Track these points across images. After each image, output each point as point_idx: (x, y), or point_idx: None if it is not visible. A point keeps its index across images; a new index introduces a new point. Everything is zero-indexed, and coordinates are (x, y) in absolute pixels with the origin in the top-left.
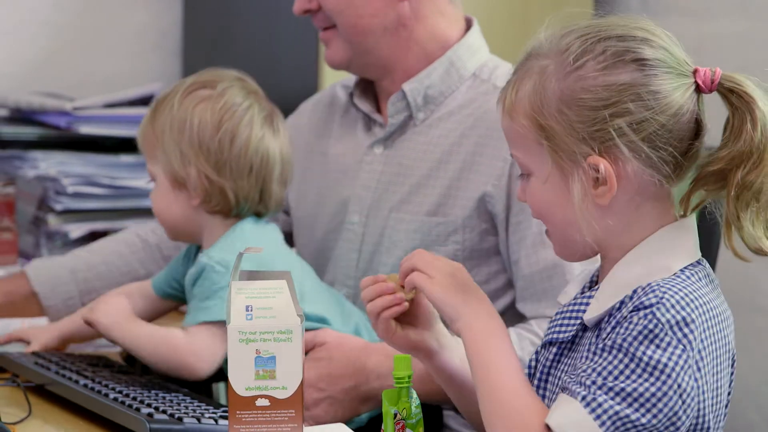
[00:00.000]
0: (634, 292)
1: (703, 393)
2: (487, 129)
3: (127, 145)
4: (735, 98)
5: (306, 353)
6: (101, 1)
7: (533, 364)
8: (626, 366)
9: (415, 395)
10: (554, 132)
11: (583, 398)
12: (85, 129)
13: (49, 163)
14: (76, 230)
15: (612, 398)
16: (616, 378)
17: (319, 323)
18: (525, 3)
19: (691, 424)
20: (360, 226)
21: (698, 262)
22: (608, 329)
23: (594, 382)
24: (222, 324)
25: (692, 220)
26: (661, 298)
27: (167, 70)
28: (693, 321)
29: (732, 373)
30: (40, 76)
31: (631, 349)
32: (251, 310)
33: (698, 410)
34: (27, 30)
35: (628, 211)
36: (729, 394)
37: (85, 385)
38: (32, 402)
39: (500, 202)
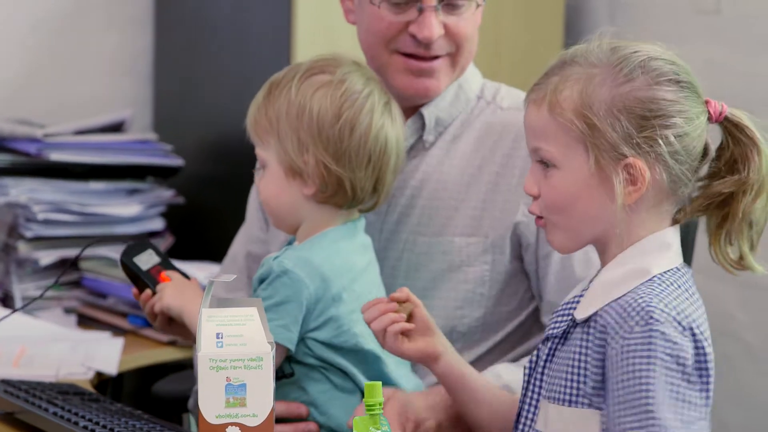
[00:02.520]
0: (628, 310)
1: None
2: (510, 149)
3: (97, 172)
4: (739, 132)
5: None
6: (72, 27)
7: (533, 359)
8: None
9: (386, 422)
10: (601, 132)
11: None
12: (56, 156)
13: (19, 190)
14: (47, 257)
15: None
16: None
17: (375, 362)
18: (496, 21)
19: None
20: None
21: (678, 268)
22: (613, 345)
23: None
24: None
25: (676, 229)
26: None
27: (139, 95)
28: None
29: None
30: (11, 103)
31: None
32: (222, 338)
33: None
34: None
35: (641, 212)
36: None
37: (55, 413)
38: (1, 431)
39: (532, 230)
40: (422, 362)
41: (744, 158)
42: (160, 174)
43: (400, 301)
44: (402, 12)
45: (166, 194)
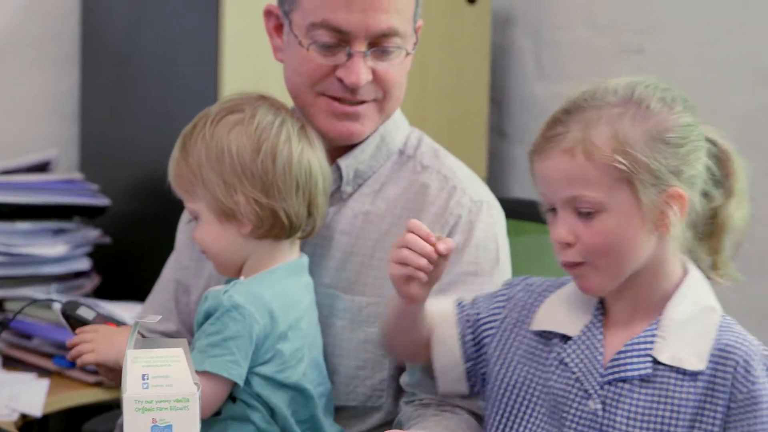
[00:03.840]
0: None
1: None
2: (419, 212)
3: (23, 212)
4: (717, 150)
5: None
6: None
7: (603, 401)
8: None
9: None
10: (646, 165)
11: None
12: None
13: None
14: None
15: None
16: None
17: (309, 402)
18: (423, 61)
19: None
20: None
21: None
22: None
23: None
24: (222, 379)
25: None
26: None
27: (65, 135)
28: None
29: None
30: None
31: None
32: (147, 379)
33: None
34: None
35: (676, 239)
36: None
37: None
38: None
39: None
40: (399, 294)
41: (726, 172)
42: (87, 214)
43: (443, 255)
44: (331, 55)
45: (93, 234)
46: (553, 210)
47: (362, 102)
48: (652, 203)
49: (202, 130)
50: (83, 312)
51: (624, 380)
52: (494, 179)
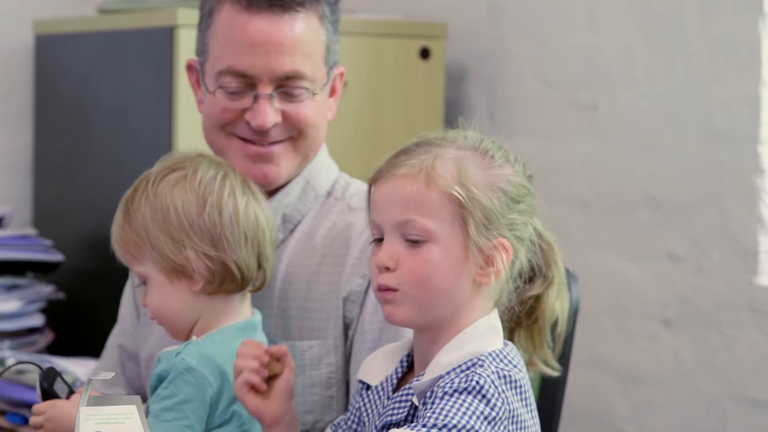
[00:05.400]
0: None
1: None
2: (344, 247)
3: None
4: (541, 241)
5: None
6: None
7: None
8: (453, 405)
9: None
10: (482, 205)
11: None
12: None
13: None
14: None
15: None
16: (446, 415)
17: None
18: (376, 116)
19: None
20: None
21: (502, 348)
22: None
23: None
24: None
25: (496, 312)
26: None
27: (18, 192)
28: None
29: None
30: None
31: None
32: None
33: None
34: None
35: (483, 294)
36: None
37: None
38: None
39: (356, 308)
40: (256, 418)
41: (547, 262)
42: (40, 269)
43: (274, 357)
44: (238, 99)
45: (46, 290)
46: (379, 241)
47: (274, 142)
48: (479, 247)
49: (145, 191)
50: (57, 389)
51: (387, 426)
52: None
